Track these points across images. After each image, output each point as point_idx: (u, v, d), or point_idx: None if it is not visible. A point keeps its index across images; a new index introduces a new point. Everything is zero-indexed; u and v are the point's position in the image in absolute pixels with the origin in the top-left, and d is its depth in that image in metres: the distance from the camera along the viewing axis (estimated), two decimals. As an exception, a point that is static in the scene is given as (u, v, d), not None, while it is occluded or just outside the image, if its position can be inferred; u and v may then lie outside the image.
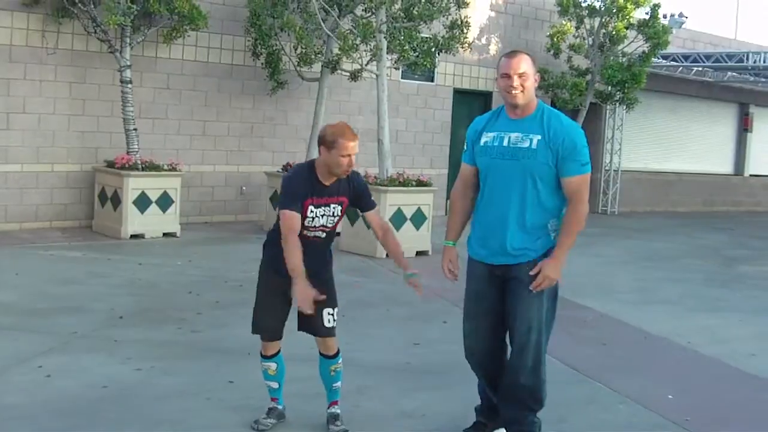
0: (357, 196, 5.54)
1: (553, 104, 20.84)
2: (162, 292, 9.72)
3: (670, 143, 24.50)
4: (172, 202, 13.67)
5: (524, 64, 5.09)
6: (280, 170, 15.31)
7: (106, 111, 14.18)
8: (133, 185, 13.22)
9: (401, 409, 5.81)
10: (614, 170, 22.19)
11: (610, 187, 22.20)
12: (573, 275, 12.44)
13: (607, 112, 22.17)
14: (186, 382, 6.48)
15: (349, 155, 5.27)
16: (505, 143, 5.19)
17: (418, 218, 13.42)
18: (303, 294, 5.11)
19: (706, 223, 21.07)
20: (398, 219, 13.24)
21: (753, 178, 27.46)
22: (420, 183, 13.77)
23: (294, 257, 5.20)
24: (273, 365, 5.66)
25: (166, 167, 13.73)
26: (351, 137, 5.28)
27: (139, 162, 13.40)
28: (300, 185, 5.34)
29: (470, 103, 20.11)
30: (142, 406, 6.04)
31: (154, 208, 13.46)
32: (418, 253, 13.27)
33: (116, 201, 13.31)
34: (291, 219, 5.28)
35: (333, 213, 5.47)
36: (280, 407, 5.79)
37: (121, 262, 11.30)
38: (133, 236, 13.18)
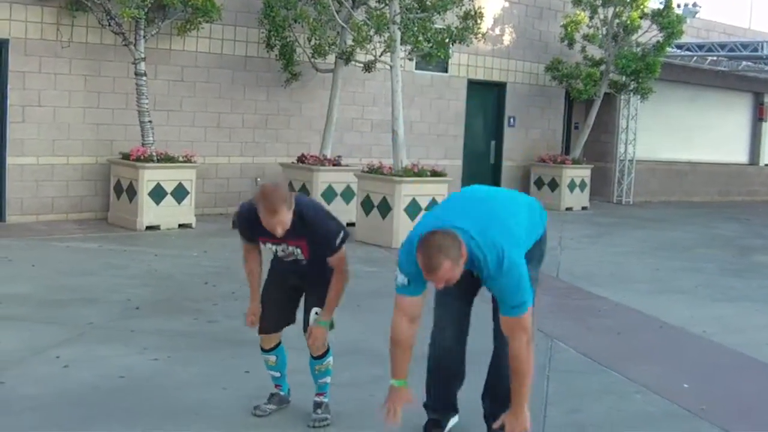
0: (313, 241, 5.28)
1: (567, 95, 20.83)
2: (178, 283, 9.76)
3: (684, 133, 24.42)
4: (188, 193, 13.70)
5: (445, 272, 4.51)
6: (296, 161, 15.36)
7: (121, 103, 14.21)
8: (149, 177, 13.26)
9: (416, 398, 5.79)
10: (628, 160, 22.13)
11: (624, 177, 22.16)
12: (588, 264, 12.50)
13: (622, 102, 22.10)
14: (202, 372, 6.51)
15: (274, 226, 5.09)
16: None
17: (433, 209, 13.41)
18: (250, 312, 5.59)
19: (721, 212, 21.01)
20: (413, 209, 13.26)
21: (768, 167, 27.41)
22: (434, 173, 13.79)
23: (249, 279, 5.66)
24: (272, 357, 5.70)
25: (181, 159, 13.77)
26: (268, 213, 5.02)
27: (154, 154, 13.44)
28: (247, 228, 5.41)
29: (484, 94, 20.10)
30: (158, 396, 6.07)
31: (169, 200, 13.50)
32: (433, 244, 13.25)
33: (132, 193, 13.35)
34: (244, 248, 5.62)
35: (295, 253, 5.39)
36: (282, 393, 5.83)
37: (136, 254, 11.34)
38: (148, 228, 13.23)
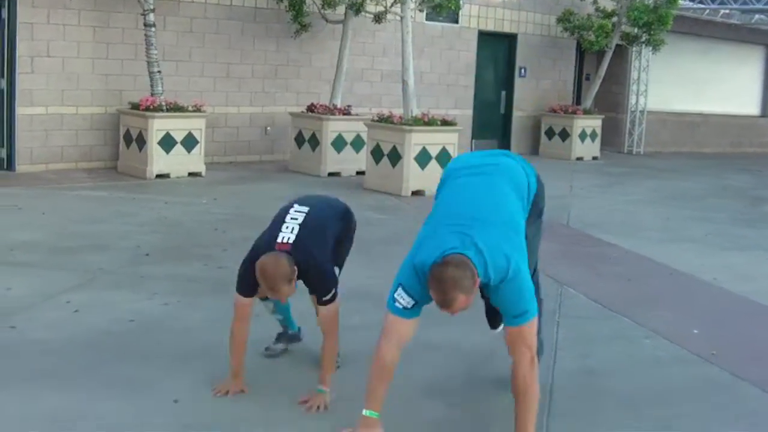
0: (310, 286, 5.13)
1: (578, 46, 20.68)
2: (188, 230, 9.77)
3: (696, 85, 24.26)
4: (197, 142, 13.68)
5: (460, 305, 4.26)
6: (305, 111, 15.29)
7: (130, 54, 14.15)
8: (158, 126, 13.23)
9: (427, 340, 5.81)
10: (639, 111, 22.02)
11: (635, 127, 22.06)
12: (598, 213, 12.48)
13: (633, 53, 21.94)
14: (212, 316, 6.52)
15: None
16: None
17: (444, 157, 13.38)
18: (230, 386, 5.16)
19: (732, 164, 20.93)
20: (424, 158, 13.24)
21: (780, 120, 27.21)
22: (445, 122, 13.73)
23: (232, 356, 5.19)
24: (270, 304, 5.66)
25: (190, 108, 13.73)
26: (270, 292, 4.89)
27: (163, 104, 13.40)
28: (251, 283, 5.05)
29: (495, 45, 19.97)
30: (169, 339, 6.09)
31: (179, 149, 13.48)
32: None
33: (141, 142, 13.34)
34: (240, 307, 5.14)
35: None
36: (291, 331, 5.84)
37: (146, 201, 11.34)
38: (158, 176, 13.23)
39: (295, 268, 4.86)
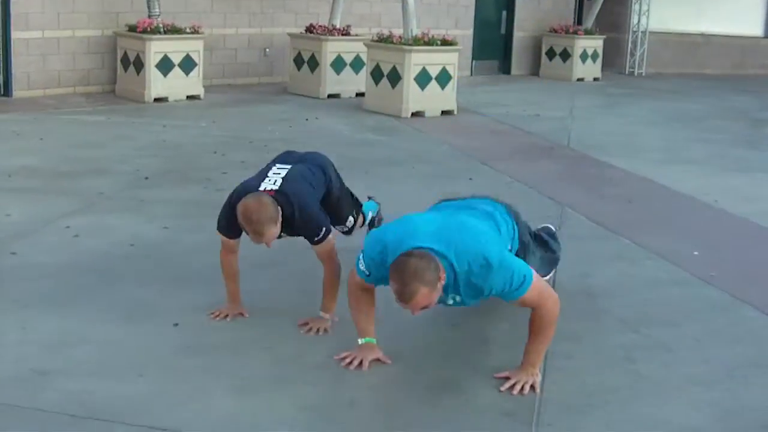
0: (299, 231, 5.03)
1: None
2: (187, 153, 9.73)
3: (699, 4, 23.92)
4: (195, 65, 13.56)
5: (421, 300, 4.06)
6: (304, 32, 15.12)
7: (127, -26, 13.98)
8: (156, 49, 13.10)
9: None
10: (641, 31, 21.79)
11: (637, 48, 21.84)
12: (599, 134, 12.42)
13: (636, -29, 21.66)
14: (212, 239, 6.41)
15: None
16: None
17: (443, 78, 13.28)
18: (230, 310, 5.18)
19: (734, 85, 20.76)
20: (423, 79, 13.13)
21: (784, 40, 26.90)
22: (445, 42, 13.59)
23: (227, 284, 5.23)
24: None
25: (188, 30, 13.59)
26: (254, 236, 4.76)
27: (161, 25, 13.26)
28: (233, 225, 4.97)
29: (496, -37, 19.72)
30: (169, 262, 6.11)
31: (177, 72, 13.37)
32: (444, 113, 13.24)
33: (139, 65, 13.22)
34: (225, 242, 5.15)
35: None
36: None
37: (145, 125, 11.29)
38: (156, 100, 13.13)
39: (280, 209, 4.78)
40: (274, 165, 5.25)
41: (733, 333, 5.35)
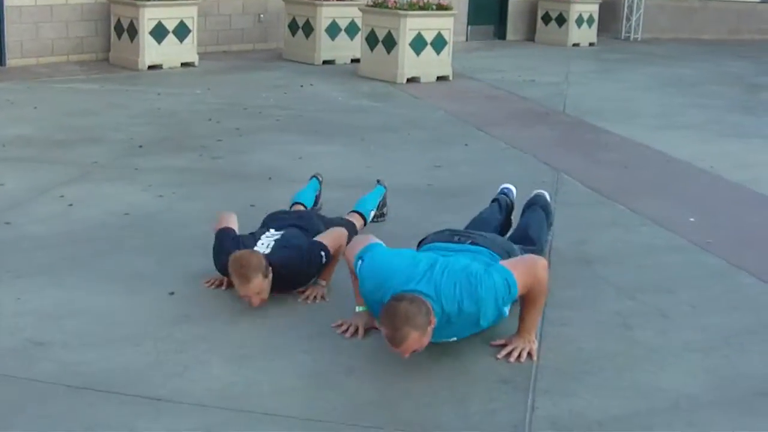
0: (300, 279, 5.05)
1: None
2: (181, 121, 9.69)
3: (696, -32, 23.83)
4: (189, 31, 13.48)
5: (412, 344, 4.04)
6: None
7: (119, -62, 13.84)
8: (149, 15, 13.02)
9: (423, 229, 5.80)
10: (638, -5, 21.69)
11: (633, 13, 21.72)
12: (595, 100, 12.39)
13: (632, -66, 21.50)
14: (208, 207, 6.49)
15: (248, 296, 4.73)
16: None
17: (439, 43, 13.22)
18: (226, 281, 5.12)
19: (731, 50, 20.68)
20: (419, 44, 13.07)
21: (781, 5, 26.76)
22: (440, 7, 13.51)
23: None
24: None
25: (182, -4, 13.52)
26: (243, 283, 4.66)
27: (154, -9, 13.19)
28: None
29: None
30: (165, 231, 6.10)
31: (171, 38, 13.29)
32: (439, 78, 13.19)
33: (132, 32, 13.13)
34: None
35: None
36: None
37: (139, 93, 11.24)
38: (150, 67, 13.06)
39: (270, 269, 4.75)
40: (267, 231, 5.26)
41: (730, 300, 5.35)
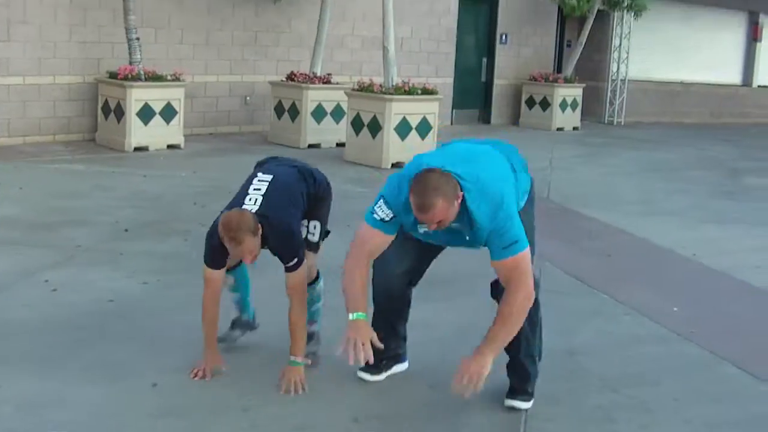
0: (274, 249, 5.05)
1: (560, 11, 20.56)
2: (167, 204, 9.71)
3: (677, 53, 24.17)
4: (176, 113, 13.57)
5: (439, 213, 4.27)
6: (285, 80, 15.17)
7: (108, 20, 13.97)
8: (137, 96, 13.11)
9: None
10: (621, 80, 21.96)
11: (616, 97, 22.01)
12: (578, 185, 12.48)
13: (615, 19, 21.84)
14: (193, 294, 6.40)
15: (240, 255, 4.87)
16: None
17: (424, 127, 13.34)
18: (206, 363, 5.13)
19: (713, 134, 20.94)
20: (403, 129, 13.18)
21: (762, 89, 27.06)
22: (425, 91, 13.63)
23: (205, 331, 5.15)
24: (231, 278, 5.49)
25: (169, 78, 13.61)
26: (233, 240, 4.74)
27: (142, 72, 13.27)
28: (218, 251, 4.99)
29: (476, 10, 19.86)
30: (149, 320, 6.06)
31: (157, 120, 13.36)
32: (423, 164, 13.23)
33: (119, 113, 13.22)
34: (209, 282, 5.10)
35: None
36: (245, 317, 5.69)
37: (125, 175, 11.27)
38: (137, 149, 13.11)
39: (259, 225, 4.79)
40: (256, 177, 5.23)
41: (714, 391, 5.36)
